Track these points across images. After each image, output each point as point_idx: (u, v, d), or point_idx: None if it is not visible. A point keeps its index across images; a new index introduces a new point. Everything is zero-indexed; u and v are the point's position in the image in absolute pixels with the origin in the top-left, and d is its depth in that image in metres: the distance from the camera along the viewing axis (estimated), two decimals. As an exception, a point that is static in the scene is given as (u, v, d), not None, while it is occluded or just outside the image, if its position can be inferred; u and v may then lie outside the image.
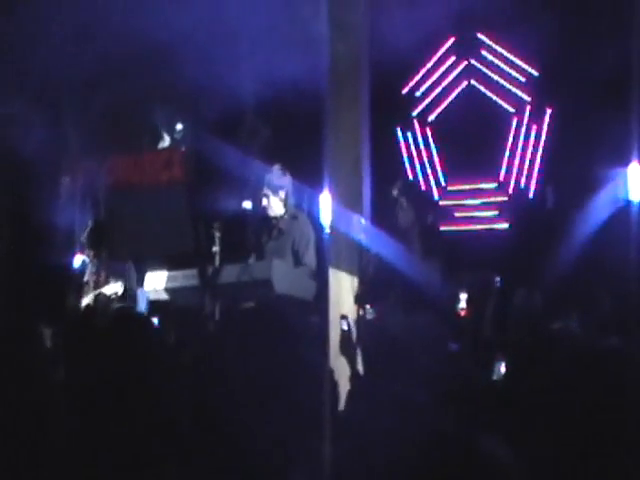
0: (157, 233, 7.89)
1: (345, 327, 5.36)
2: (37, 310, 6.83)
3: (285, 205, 6.08)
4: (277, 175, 6.10)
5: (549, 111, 7.53)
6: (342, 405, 3.37)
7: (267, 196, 6.06)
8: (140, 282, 6.50)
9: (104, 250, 6.79)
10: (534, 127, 7.62)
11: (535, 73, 7.64)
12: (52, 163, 8.50)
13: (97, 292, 6.49)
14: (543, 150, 7.57)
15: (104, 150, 8.61)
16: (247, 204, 6.25)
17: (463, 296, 5.79)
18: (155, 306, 6.06)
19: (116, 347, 2.42)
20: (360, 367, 4.11)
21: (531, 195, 7.60)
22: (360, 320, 5.50)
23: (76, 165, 8.65)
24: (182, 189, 7.66)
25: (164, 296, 6.04)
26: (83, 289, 6.67)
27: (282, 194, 6.06)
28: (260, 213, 6.18)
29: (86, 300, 6.60)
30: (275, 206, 6.07)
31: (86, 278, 6.76)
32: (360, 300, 5.64)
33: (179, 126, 8.36)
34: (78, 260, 7.19)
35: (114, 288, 6.48)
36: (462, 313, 5.74)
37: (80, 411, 2.38)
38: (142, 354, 2.44)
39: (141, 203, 8.01)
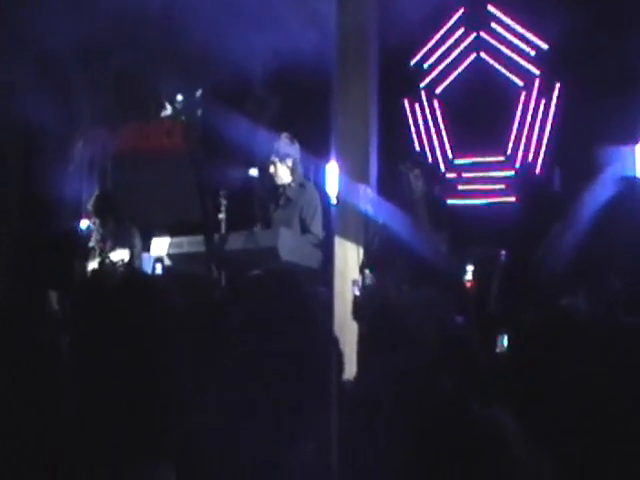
0: (163, 200, 7.91)
1: (356, 292, 5.37)
2: (44, 275, 6.87)
3: (293, 173, 6.07)
4: (285, 143, 6.09)
5: (558, 86, 7.48)
6: (348, 374, 3.39)
7: (274, 164, 6.05)
8: (146, 249, 6.52)
9: (110, 217, 6.80)
10: (542, 101, 7.58)
11: (545, 47, 7.58)
12: (59, 130, 8.49)
13: (103, 257, 6.51)
14: (551, 125, 7.54)
15: (111, 118, 8.60)
16: (254, 172, 6.22)
17: (469, 268, 5.79)
18: (163, 272, 6.07)
19: (122, 311, 2.42)
20: (365, 336, 4.12)
21: (538, 170, 7.58)
22: (365, 291, 5.50)
23: (83, 132, 8.64)
24: (188, 157, 7.66)
25: (169, 262, 6.04)
26: (89, 255, 6.69)
27: (289, 162, 6.05)
28: (268, 181, 6.17)
29: (92, 265, 6.62)
30: (283, 174, 6.05)
31: (92, 244, 6.78)
32: (365, 271, 5.64)
33: (179, 96, 8.34)
34: (84, 226, 7.21)
35: (121, 254, 6.49)
36: (468, 285, 5.74)
37: (87, 377, 2.38)
38: (149, 319, 2.44)
39: (146, 171, 8.02)
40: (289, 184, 6.06)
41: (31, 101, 7.26)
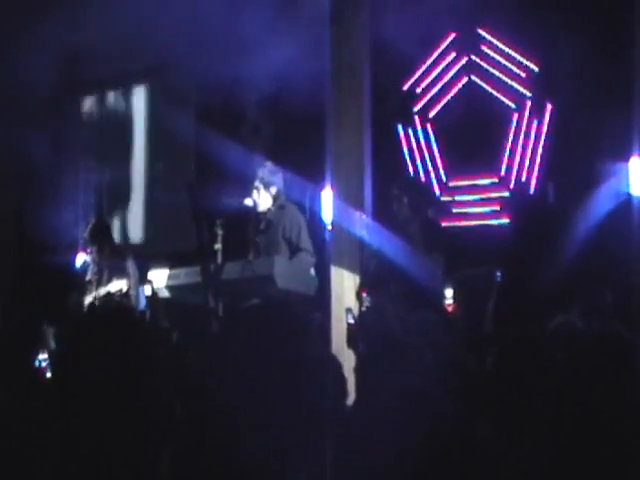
0: (159, 230, 7.94)
1: (350, 320, 5.38)
2: (40, 309, 6.87)
3: (274, 201, 6.08)
4: (269, 171, 6.11)
5: (550, 107, 7.53)
6: (345, 399, 3.39)
7: (258, 190, 6.07)
8: (142, 280, 6.52)
9: (107, 245, 6.81)
10: (535, 123, 7.63)
11: (535, 69, 7.64)
12: (53, 161, 8.55)
13: (102, 290, 6.50)
14: (544, 145, 7.58)
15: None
16: (250, 201, 6.25)
17: (449, 291, 5.81)
18: (160, 303, 6.08)
19: (113, 345, 2.44)
20: (362, 359, 4.13)
21: (532, 190, 7.61)
22: (361, 314, 5.51)
23: (76, 163, 8.69)
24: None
25: (166, 293, 6.05)
26: (86, 288, 6.69)
27: (273, 190, 6.07)
28: (251, 207, 6.18)
29: (89, 299, 6.61)
30: (264, 201, 6.07)
31: (88, 277, 6.78)
32: (361, 295, 5.66)
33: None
34: (80, 259, 7.21)
35: (118, 285, 6.49)
36: (450, 309, 5.75)
37: (77, 408, 2.40)
38: (138, 352, 2.46)
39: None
40: (269, 208, 6.08)
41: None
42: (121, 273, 6.57)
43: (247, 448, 2.57)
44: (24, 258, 8.85)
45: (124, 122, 8.92)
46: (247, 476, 2.55)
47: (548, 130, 7.53)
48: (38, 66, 8.31)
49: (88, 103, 9.13)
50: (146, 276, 6.34)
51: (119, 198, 8.06)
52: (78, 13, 7.61)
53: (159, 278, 6.06)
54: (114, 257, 6.75)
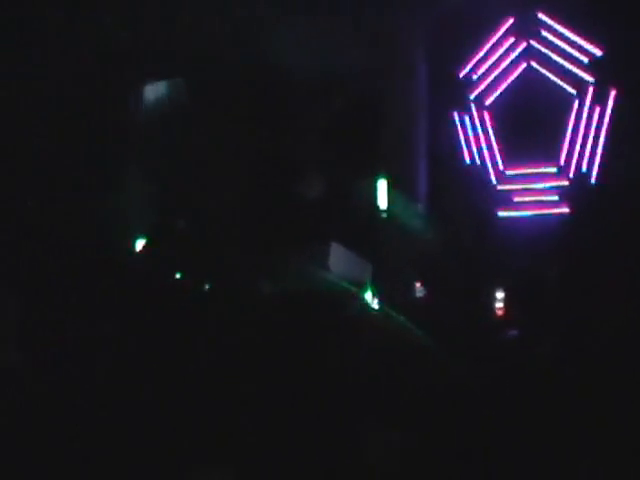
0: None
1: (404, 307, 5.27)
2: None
3: (330, 189, 5.96)
4: (326, 160, 5.99)
5: (613, 93, 7.27)
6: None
7: (319, 180, 5.96)
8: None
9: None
10: (597, 109, 7.38)
11: (598, 53, 7.38)
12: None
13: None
14: (606, 133, 7.32)
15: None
16: (303, 189, 6.14)
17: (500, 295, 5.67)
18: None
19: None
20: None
21: (593, 180, 7.36)
22: (413, 303, 5.41)
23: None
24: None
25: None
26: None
27: (329, 179, 5.95)
28: (313, 197, 6.09)
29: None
30: (319, 189, 5.96)
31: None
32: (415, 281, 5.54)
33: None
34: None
35: None
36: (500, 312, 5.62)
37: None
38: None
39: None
40: (334, 198, 5.96)
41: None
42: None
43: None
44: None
45: (180, 115, 8.89)
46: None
47: (611, 117, 7.28)
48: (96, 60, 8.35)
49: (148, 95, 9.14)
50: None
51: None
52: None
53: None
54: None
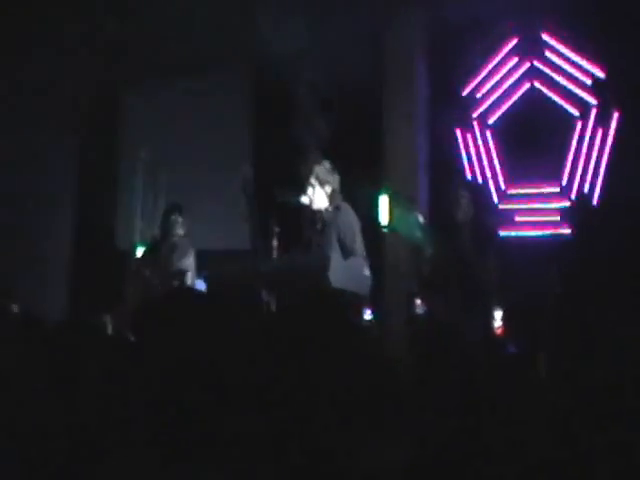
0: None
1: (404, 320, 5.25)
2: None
3: (330, 200, 5.93)
4: (326, 169, 5.96)
5: (616, 115, 7.30)
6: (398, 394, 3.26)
7: (313, 187, 5.92)
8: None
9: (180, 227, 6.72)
10: (600, 131, 7.39)
11: (602, 75, 7.41)
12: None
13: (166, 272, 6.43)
14: (609, 155, 7.34)
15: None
16: (306, 200, 6.10)
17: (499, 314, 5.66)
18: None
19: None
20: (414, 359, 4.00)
21: (595, 201, 7.37)
22: (414, 316, 5.38)
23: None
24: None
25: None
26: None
27: (328, 189, 5.91)
28: (307, 206, 6.04)
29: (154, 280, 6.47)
30: (319, 199, 5.92)
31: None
32: (415, 297, 5.53)
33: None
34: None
35: (185, 264, 6.47)
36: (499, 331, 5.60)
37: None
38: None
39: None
40: (325, 209, 5.93)
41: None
42: (186, 253, 6.50)
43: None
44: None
45: (186, 117, 8.90)
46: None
47: (614, 140, 7.29)
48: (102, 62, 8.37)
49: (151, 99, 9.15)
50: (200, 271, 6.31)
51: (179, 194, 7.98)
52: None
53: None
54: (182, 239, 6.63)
